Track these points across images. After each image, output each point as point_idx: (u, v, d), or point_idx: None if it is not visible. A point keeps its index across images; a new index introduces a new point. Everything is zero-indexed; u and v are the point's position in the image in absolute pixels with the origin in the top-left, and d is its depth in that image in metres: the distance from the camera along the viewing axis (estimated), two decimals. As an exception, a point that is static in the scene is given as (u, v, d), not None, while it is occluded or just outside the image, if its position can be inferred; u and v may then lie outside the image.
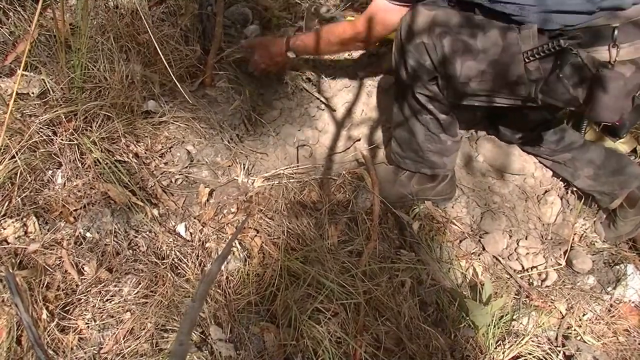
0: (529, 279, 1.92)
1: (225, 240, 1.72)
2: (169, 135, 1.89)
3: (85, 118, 1.73)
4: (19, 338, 1.40)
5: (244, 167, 1.93)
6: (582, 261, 1.96)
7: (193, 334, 1.50)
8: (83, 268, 1.56)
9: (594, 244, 2.06)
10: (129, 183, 1.71)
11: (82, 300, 1.51)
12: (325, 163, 2.13)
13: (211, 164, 1.91)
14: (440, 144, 1.88)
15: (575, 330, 1.77)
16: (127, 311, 1.52)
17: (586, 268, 1.96)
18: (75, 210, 1.63)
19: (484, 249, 1.96)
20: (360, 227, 1.86)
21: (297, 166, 2.03)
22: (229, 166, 1.93)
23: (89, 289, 1.53)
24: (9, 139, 1.58)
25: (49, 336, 1.42)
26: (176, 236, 1.71)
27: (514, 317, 1.74)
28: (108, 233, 1.62)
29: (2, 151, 1.57)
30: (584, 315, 1.83)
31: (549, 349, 1.69)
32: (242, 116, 2.11)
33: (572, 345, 1.71)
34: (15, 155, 1.57)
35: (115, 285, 1.55)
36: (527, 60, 1.54)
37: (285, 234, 1.75)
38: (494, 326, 1.66)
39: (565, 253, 1.98)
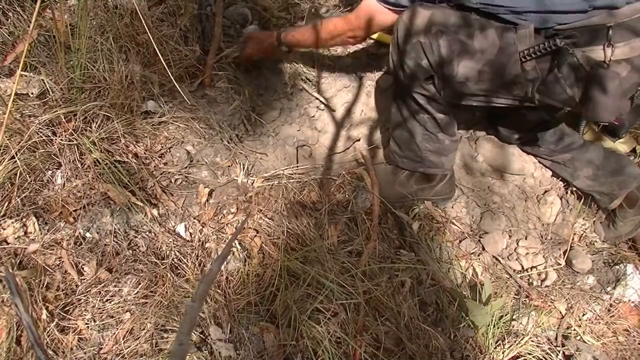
0: (528, 279, 1.92)
1: (225, 241, 1.72)
2: (168, 135, 1.89)
3: (84, 118, 1.73)
4: (18, 338, 1.40)
5: (244, 167, 1.93)
6: (581, 261, 1.96)
7: (193, 334, 1.50)
8: (83, 268, 1.56)
9: (593, 244, 2.06)
10: (128, 183, 1.71)
11: (82, 301, 1.51)
12: (325, 163, 2.13)
13: (211, 164, 1.91)
14: (438, 143, 1.88)
15: (574, 330, 1.78)
16: (126, 311, 1.52)
17: (586, 268, 1.96)
18: (75, 210, 1.63)
19: (483, 249, 1.96)
20: (360, 227, 1.86)
21: (297, 166, 2.03)
22: (229, 166, 1.93)
23: (89, 289, 1.53)
24: (8, 140, 1.58)
25: (48, 336, 1.42)
26: (176, 236, 1.71)
27: (514, 317, 1.74)
28: (108, 233, 1.62)
29: (1, 151, 1.57)
30: (583, 315, 1.83)
31: (549, 348, 1.69)
32: (242, 116, 2.11)
33: (571, 345, 1.71)
34: (15, 155, 1.57)
35: (115, 286, 1.55)
36: (523, 60, 1.54)
37: (285, 234, 1.75)
38: (494, 326, 1.66)
39: (564, 253, 1.98)
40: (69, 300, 1.50)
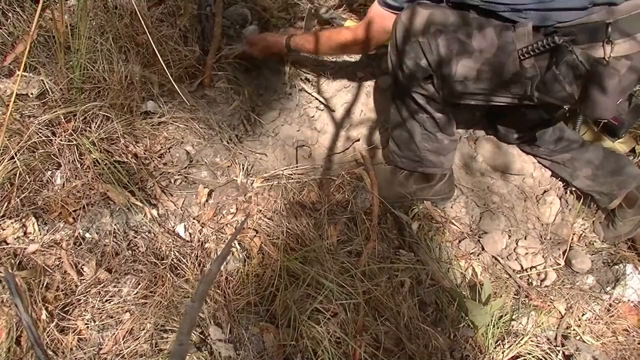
0: (528, 279, 1.92)
1: (224, 241, 1.72)
2: (168, 135, 1.89)
3: (84, 119, 1.73)
4: (18, 339, 1.40)
5: (243, 168, 1.93)
6: (581, 261, 1.96)
7: (192, 334, 1.50)
8: (82, 268, 1.56)
9: (593, 244, 2.06)
10: (128, 183, 1.71)
11: (82, 301, 1.51)
12: (325, 163, 2.13)
13: (210, 164, 1.91)
14: (437, 142, 1.88)
15: (574, 330, 1.78)
16: (126, 311, 1.52)
17: (585, 268, 1.96)
18: (75, 210, 1.63)
19: (483, 249, 1.96)
20: (360, 227, 1.86)
21: (296, 166, 2.03)
22: (228, 166, 1.93)
23: (88, 289, 1.53)
24: (8, 140, 1.58)
25: (48, 337, 1.42)
26: (175, 237, 1.71)
27: (513, 317, 1.74)
28: (107, 233, 1.62)
29: (1, 152, 1.57)
30: (583, 315, 1.83)
31: (548, 348, 1.69)
32: (241, 117, 2.11)
33: (571, 345, 1.71)
34: (15, 156, 1.57)
35: (114, 286, 1.55)
36: (522, 58, 1.54)
37: (285, 234, 1.75)
38: (494, 326, 1.66)
39: (564, 253, 1.99)
40: (69, 300, 1.50)
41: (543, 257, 1.97)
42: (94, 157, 1.67)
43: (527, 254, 1.96)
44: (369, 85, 2.30)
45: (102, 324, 1.49)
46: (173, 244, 1.67)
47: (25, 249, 1.52)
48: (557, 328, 1.78)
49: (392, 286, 1.70)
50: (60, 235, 1.58)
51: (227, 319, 1.55)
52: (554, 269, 1.94)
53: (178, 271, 1.63)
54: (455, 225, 2.00)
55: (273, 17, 2.44)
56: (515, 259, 1.96)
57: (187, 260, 1.64)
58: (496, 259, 1.95)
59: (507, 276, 1.91)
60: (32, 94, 1.74)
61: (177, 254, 1.65)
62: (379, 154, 2.20)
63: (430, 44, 1.61)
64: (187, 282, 1.60)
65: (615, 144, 2.14)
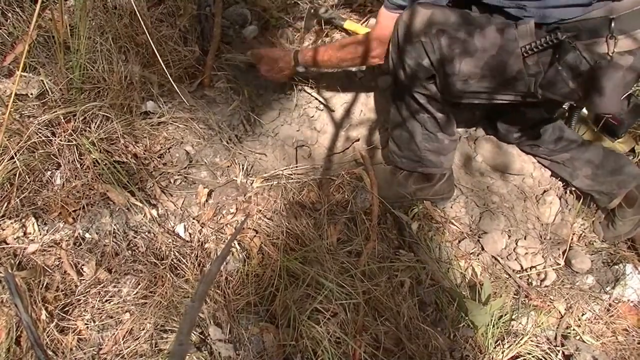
0: (528, 279, 1.92)
1: (224, 241, 1.72)
2: (167, 135, 1.90)
3: (84, 119, 1.73)
4: (18, 339, 1.40)
5: (243, 168, 1.93)
6: (581, 261, 1.96)
7: (192, 334, 1.50)
8: (82, 269, 1.56)
9: (592, 244, 2.06)
10: (127, 184, 1.71)
11: (81, 301, 1.51)
12: (324, 163, 2.13)
13: (210, 164, 1.92)
14: (438, 142, 1.88)
15: (574, 329, 1.78)
16: (126, 312, 1.52)
17: (585, 268, 1.96)
18: (74, 211, 1.64)
19: (482, 248, 1.96)
20: (359, 227, 1.86)
21: (296, 166, 2.03)
22: (228, 167, 1.93)
23: (88, 289, 1.53)
24: (7, 140, 1.58)
25: (48, 337, 1.42)
26: (175, 237, 1.71)
27: (513, 317, 1.74)
28: (107, 234, 1.62)
29: (1, 152, 1.57)
30: (583, 314, 1.83)
31: (548, 348, 1.69)
32: (241, 117, 2.11)
33: (571, 345, 1.71)
34: (14, 156, 1.57)
35: (114, 286, 1.55)
36: (525, 55, 1.55)
37: (285, 234, 1.75)
38: (493, 326, 1.66)
39: (564, 253, 1.99)
40: (69, 300, 1.50)
41: (543, 257, 1.97)
42: (93, 157, 1.67)
43: (526, 254, 1.96)
44: (368, 85, 2.30)
45: (102, 324, 1.49)
46: (173, 244, 1.67)
47: (25, 249, 1.52)
48: (557, 328, 1.78)
49: (392, 286, 1.70)
50: (60, 236, 1.58)
51: (227, 319, 1.55)
52: (553, 269, 1.94)
53: (178, 271, 1.63)
54: (455, 225, 2.00)
55: (273, 18, 2.44)
56: (515, 259, 1.96)
57: (187, 261, 1.64)
58: (496, 259, 1.95)
59: (507, 276, 1.91)
60: (31, 94, 1.74)
61: (176, 254, 1.65)
62: (378, 154, 2.20)
63: (432, 43, 1.61)
64: (187, 282, 1.60)
65: (614, 143, 2.14)
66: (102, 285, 1.54)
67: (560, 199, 2.12)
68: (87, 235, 1.61)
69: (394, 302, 1.65)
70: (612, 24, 1.46)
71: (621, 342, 1.77)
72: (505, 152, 2.15)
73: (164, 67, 1.55)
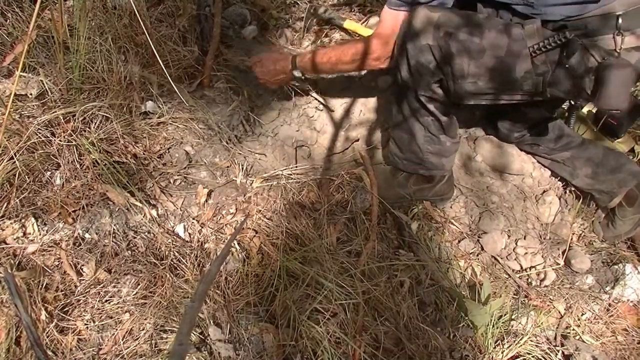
0: (527, 279, 1.93)
1: (223, 241, 1.72)
2: (167, 136, 1.90)
3: (83, 119, 1.73)
4: (17, 339, 1.40)
5: (243, 168, 1.93)
6: (580, 261, 1.96)
7: (192, 334, 1.50)
8: (82, 269, 1.56)
9: (592, 244, 2.06)
10: (127, 184, 1.71)
11: (81, 301, 1.51)
12: (324, 163, 2.13)
13: (210, 164, 1.92)
14: (440, 145, 1.87)
15: (574, 329, 1.78)
16: (126, 312, 1.52)
17: (585, 268, 1.96)
18: (74, 211, 1.64)
19: (482, 248, 1.96)
20: (359, 227, 1.86)
21: (296, 167, 2.03)
22: (228, 167, 1.93)
23: (88, 289, 1.53)
24: (7, 140, 1.58)
25: (47, 337, 1.42)
26: (175, 237, 1.71)
27: (513, 317, 1.74)
28: (107, 234, 1.62)
29: (0, 152, 1.57)
30: (582, 314, 1.83)
31: (548, 348, 1.69)
32: (241, 117, 2.11)
33: (570, 345, 1.71)
34: (14, 156, 1.57)
35: (114, 286, 1.55)
36: (533, 55, 1.54)
37: (284, 234, 1.75)
38: (493, 326, 1.66)
39: (563, 253, 1.99)
40: (68, 300, 1.50)
41: (542, 257, 1.98)
42: (93, 157, 1.67)
43: (526, 253, 1.96)
44: (368, 85, 2.30)
45: (102, 325, 1.49)
46: (172, 244, 1.67)
47: (24, 249, 1.52)
48: (557, 328, 1.78)
49: (392, 286, 1.70)
50: (59, 236, 1.58)
51: (226, 319, 1.55)
52: (553, 269, 1.94)
53: (177, 271, 1.63)
54: (454, 225, 2.00)
55: (272, 18, 2.44)
56: (515, 259, 1.96)
57: (186, 261, 1.64)
58: (495, 258, 1.95)
59: (507, 276, 1.91)
60: (31, 94, 1.74)
61: (176, 254, 1.65)
62: (378, 154, 2.20)
63: (440, 46, 1.60)
64: (186, 282, 1.60)
65: (614, 143, 2.15)
66: (101, 285, 1.54)
67: (559, 198, 2.12)
68: (86, 235, 1.61)
69: (393, 302, 1.65)
70: (619, 21, 1.46)
71: (621, 342, 1.77)
72: (505, 152, 2.15)
73: (163, 68, 1.55)
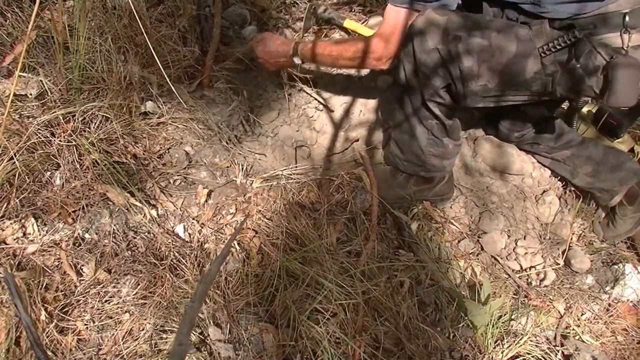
0: (527, 279, 1.93)
1: (223, 241, 1.72)
2: (167, 136, 1.90)
3: (83, 119, 1.73)
4: (17, 339, 1.40)
5: (243, 168, 1.93)
6: (580, 261, 1.96)
7: (192, 334, 1.50)
8: (82, 269, 1.56)
9: (592, 244, 2.06)
10: (127, 184, 1.71)
11: (81, 302, 1.51)
12: (324, 164, 2.13)
13: (210, 164, 1.92)
14: (443, 147, 1.86)
15: (573, 329, 1.78)
16: (125, 312, 1.52)
17: (584, 268, 1.96)
18: (74, 211, 1.63)
19: (482, 248, 1.96)
20: (359, 227, 1.86)
21: (296, 167, 2.03)
22: (228, 167, 1.93)
23: (88, 290, 1.53)
24: (7, 141, 1.58)
25: (47, 337, 1.42)
26: (175, 237, 1.71)
27: (513, 317, 1.74)
28: (107, 234, 1.62)
29: (0, 152, 1.57)
30: (582, 314, 1.84)
31: (548, 348, 1.69)
32: (240, 117, 2.11)
33: (570, 345, 1.71)
34: (14, 156, 1.57)
35: (114, 286, 1.55)
36: (542, 55, 1.54)
37: (284, 234, 1.75)
38: (493, 326, 1.66)
39: (563, 253, 1.99)
40: (68, 301, 1.50)
41: (542, 257, 1.98)
42: (93, 157, 1.67)
43: (526, 253, 1.96)
44: (368, 85, 2.30)
45: (102, 325, 1.49)
46: (172, 244, 1.67)
47: (24, 249, 1.52)
48: (557, 328, 1.78)
49: (392, 286, 1.70)
50: (59, 236, 1.58)
51: (226, 319, 1.55)
52: (553, 269, 1.95)
53: (177, 271, 1.63)
54: (454, 225, 2.00)
55: (272, 18, 2.44)
56: (515, 259, 1.96)
57: (186, 261, 1.64)
58: (495, 259, 1.95)
59: (507, 276, 1.91)
60: (31, 94, 1.74)
61: (176, 254, 1.65)
62: (378, 154, 2.20)
63: (449, 50, 1.58)
64: (186, 282, 1.60)
65: (614, 143, 2.15)
66: (101, 285, 1.54)
67: (559, 198, 2.12)
68: (86, 235, 1.61)
69: (393, 302, 1.65)
70: (626, 19, 1.46)
71: (620, 341, 1.77)
72: (505, 152, 2.15)
73: (162, 68, 1.55)
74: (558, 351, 1.69)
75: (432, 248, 1.89)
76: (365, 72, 2.34)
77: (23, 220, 1.57)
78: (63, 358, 1.41)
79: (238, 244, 1.73)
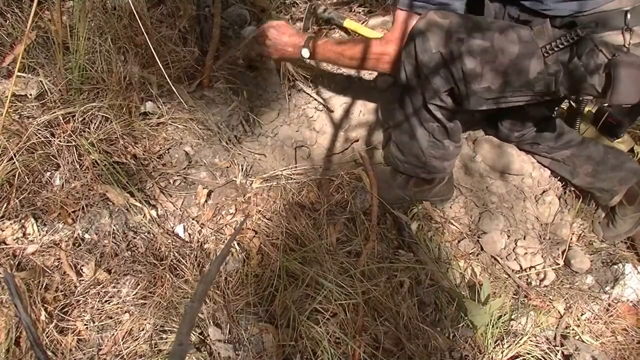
0: (527, 279, 1.93)
1: (223, 241, 1.72)
2: (167, 136, 1.90)
3: (83, 119, 1.73)
4: (17, 339, 1.40)
5: (242, 168, 1.93)
6: (580, 261, 1.96)
7: (192, 334, 1.50)
8: (81, 269, 1.56)
9: (592, 244, 2.06)
10: (127, 184, 1.71)
11: (81, 302, 1.51)
12: (324, 164, 2.13)
13: (209, 165, 1.92)
14: (444, 149, 1.85)
15: (573, 329, 1.78)
16: (125, 312, 1.52)
17: (584, 268, 1.97)
18: (74, 211, 1.64)
19: (482, 249, 1.96)
20: (359, 227, 1.86)
21: (295, 167, 2.03)
22: (227, 167, 1.93)
23: (88, 290, 1.53)
24: (7, 141, 1.58)
25: (47, 337, 1.42)
26: (175, 237, 1.71)
27: (513, 317, 1.74)
28: (106, 234, 1.62)
29: (0, 153, 1.57)
30: (582, 314, 1.84)
31: (548, 348, 1.69)
32: (240, 117, 2.11)
33: (570, 345, 1.71)
34: (14, 156, 1.57)
35: (113, 287, 1.55)
36: (545, 55, 1.54)
37: (284, 234, 1.75)
38: (493, 326, 1.66)
39: (563, 253, 1.99)
40: (68, 301, 1.50)
41: (542, 257, 1.98)
42: (93, 158, 1.68)
43: (526, 254, 1.96)
44: (368, 86, 2.31)
45: (102, 325, 1.49)
46: (172, 244, 1.67)
47: (24, 249, 1.52)
48: (556, 328, 1.78)
49: (392, 286, 1.70)
50: (59, 236, 1.58)
51: (226, 319, 1.55)
52: (553, 269, 1.95)
53: (177, 272, 1.63)
54: (454, 225, 2.00)
55: (271, 18, 2.44)
56: (515, 259, 1.96)
57: (186, 261, 1.64)
58: (495, 259, 1.95)
59: (506, 276, 1.91)
60: (30, 94, 1.74)
61: (176, 254, 1.65)
62: (378, 154, 2.20)
63: (452, 53, 1.57)
64: (186, 282, 1.60)
65: (614, 143, 2.15)
66: (101, 285, 1.54)
67: (559, 199, 2.12)
68: (86, 235, 1.61)
69: (393, 302, 1.65)
70: (628, 16, 1.46)
71: (620, 341, 1.78)
72: (505, 152, 2.15)
73: (162, 68, 1.55)
74: (558, 351, 1.69)
75: (432, 248, 1.89)
76: (364, 71, 2.34)
77: (23, 221, 1.57)
78: (63, 358, 1.41)
79: (238, 244, 1.73)
